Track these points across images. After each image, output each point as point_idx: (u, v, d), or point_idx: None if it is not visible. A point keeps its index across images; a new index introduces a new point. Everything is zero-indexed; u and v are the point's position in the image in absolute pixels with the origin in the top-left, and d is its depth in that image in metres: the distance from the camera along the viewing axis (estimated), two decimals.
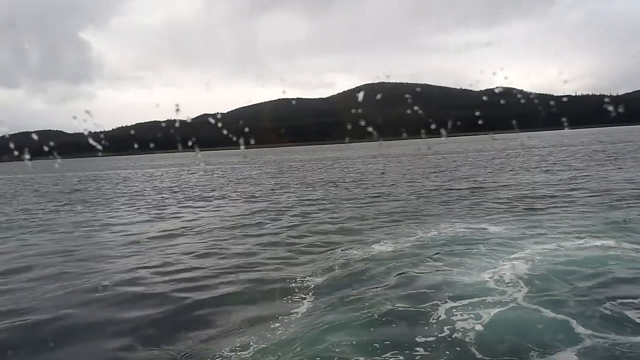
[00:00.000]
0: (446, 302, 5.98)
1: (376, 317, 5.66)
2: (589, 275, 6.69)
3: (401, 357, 4.70)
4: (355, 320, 5.61)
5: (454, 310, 5.71)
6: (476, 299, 6.00)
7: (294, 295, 6.83)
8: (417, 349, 4.85)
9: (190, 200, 20.91)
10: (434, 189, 19.33)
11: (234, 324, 5.92)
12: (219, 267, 8.64)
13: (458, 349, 4.81)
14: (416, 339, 5.04)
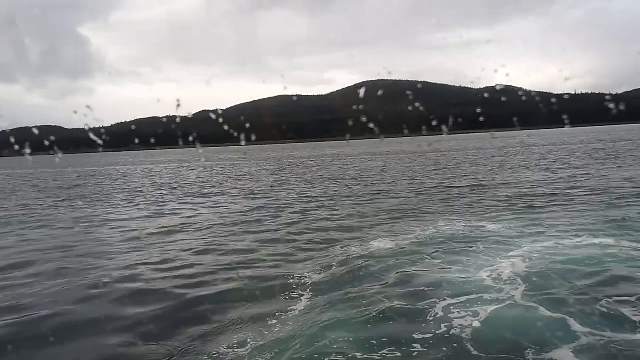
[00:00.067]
0: (445, 299, 5.99)
1: (375, 314, 5.67)
2: (587, 273, 6.70)
3: (399, 354, 4.72)
4: (354, 317, 5.63)
5: (452, 307, 5.73)
6: (474, 297, 6.02)
7: (293, 292, 6.84)
8: (416, 345, 4.86)
9: (189, 196, 20.91)
10: (433, 186, 19.33)
11: (233, 321, 5.93)
12: (219, 263, 8.65)
13: (456, 345, 4.82)
14: (415, 336, 5.06)
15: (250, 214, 14.68)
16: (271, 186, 23.79)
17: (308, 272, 7.72)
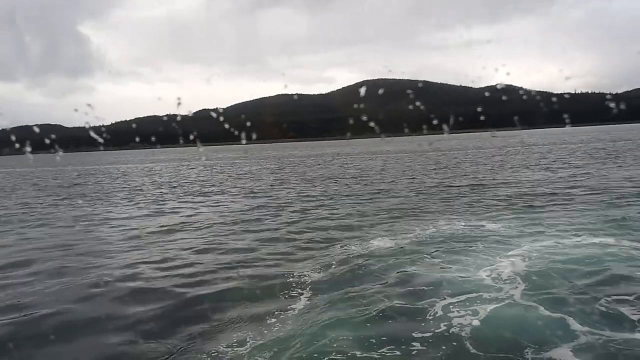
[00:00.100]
0: (444, 298, 6.00)
1: (375, 313, 5.68)
2: (586, 272, 6.71)
3: (399, 353, 4.73)
4: (354, 316, 5.63)
5: (452, 306, 5.74)
6: (474, 296, 6.02)
7: (293, 291, 6.85)
8: (416, 344, 4.87)
9: (189, 195, 20.92)
10: (433, 185, 19.34)
11: (234, 319, 5.94)
12: (219, 262, 8.66)
13: (455, 344, 4.83)
14: (414, 334, 5.07)
15: (250, 212, 14.69)
16: (271, 185, 23.80)
17: (308, 271, 7.73)
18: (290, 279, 7.36)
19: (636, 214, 10.71)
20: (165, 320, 6.06)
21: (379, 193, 17.92)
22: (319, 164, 41.69)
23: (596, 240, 8.49)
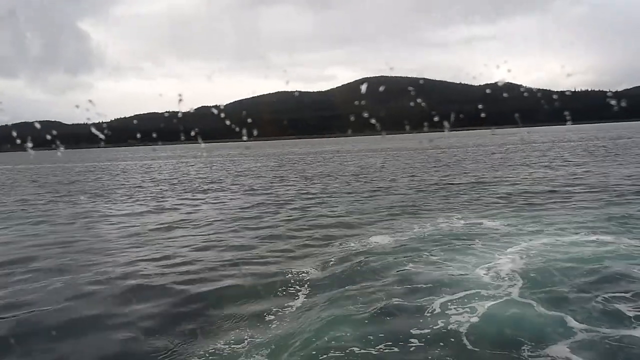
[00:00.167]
0: (443, 295, 6.01)
1: (374, 310, 5.69)
2: (585, 270, 6.71)
3: (398, 350, 4.74)
4: (353, 314, 5.64)
5: (450, 303, 5.75)
6: (473, 293, 6.04)
7: (293, 288, 6.86)
8: (414, 341, 4.88)
9: (189, 192, 20.92)
10: (433, 183, 19.34)
11: (233, 316, 5.95)
12: (219, 259, 8.67)
13: (454, 341, 4.85)
14: (413, 331, 5.08)
15: (250, 210, 14.69)
16: (271, 182, 23.79)
17: (307, 269, 7.74)
18: (290, 276, 7.37)
19: (636, 212, 10.71)
20: (165, 317, 6.07)
21: (378, 190, 17.92)
22: (319, 162, 41.67)
23: (595, 238, 8.50)
